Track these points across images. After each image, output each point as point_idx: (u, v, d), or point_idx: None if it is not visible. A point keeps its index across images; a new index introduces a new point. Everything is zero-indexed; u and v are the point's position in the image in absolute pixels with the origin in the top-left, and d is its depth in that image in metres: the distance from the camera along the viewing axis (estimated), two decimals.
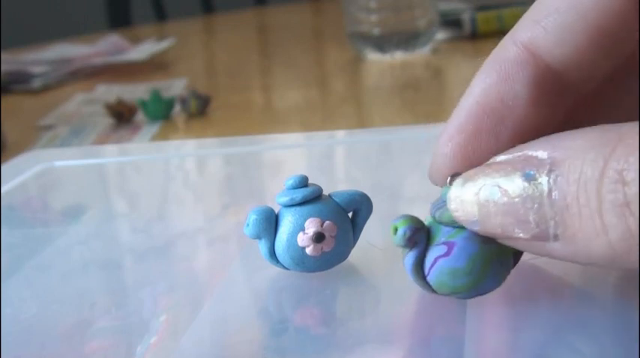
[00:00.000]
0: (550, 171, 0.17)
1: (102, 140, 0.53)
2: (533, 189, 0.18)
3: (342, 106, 0.60)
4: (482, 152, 0.21)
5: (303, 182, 0.24)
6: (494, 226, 0.19)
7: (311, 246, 0.24)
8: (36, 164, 0.40)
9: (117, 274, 0.28)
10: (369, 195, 0.25)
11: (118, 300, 0.26)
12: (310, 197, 0.24)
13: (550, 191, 0.17)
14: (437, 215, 0.21)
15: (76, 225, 0.33)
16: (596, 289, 0.23)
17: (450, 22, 0.73)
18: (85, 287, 0.27)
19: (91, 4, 1.45)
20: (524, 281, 0.22)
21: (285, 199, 0.24)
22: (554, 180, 0.17)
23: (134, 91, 0.65)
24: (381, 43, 0.69)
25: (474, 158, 0.21)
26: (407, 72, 0.67)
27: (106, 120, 0.58)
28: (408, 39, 0.69)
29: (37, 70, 0.75)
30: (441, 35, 0.73)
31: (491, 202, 0.19)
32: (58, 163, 0.40)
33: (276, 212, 0.24)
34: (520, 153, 0.19)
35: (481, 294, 0.21)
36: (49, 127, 0.58)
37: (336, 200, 0.24)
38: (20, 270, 0.28)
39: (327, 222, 0.24)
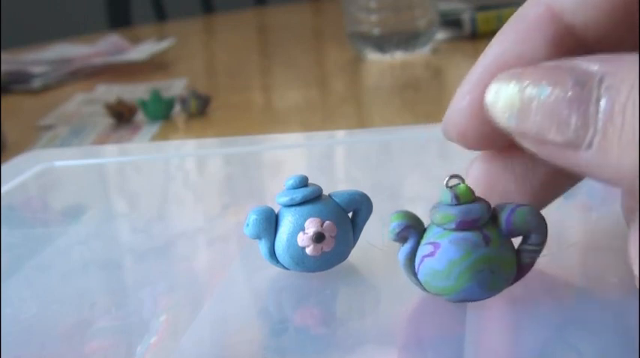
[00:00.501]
0: (601, 81, 0.17)
1: (102, 140, 0.53)
2: (582, 93, 0.18)
3: (342, 106, 0.60)
4: None
5: (303, 182, 0.24)
6: (531, 125, 0.19)
7: (311, 246, 0.24)
8: (36, 164, 0.40)
9: (117, 274, 0.28)
10: (369, 195, 0.25)
11: (118, 300, 0.26)
12: (310, 197, 0.24)
13: (599, 98, 0.17)
14: (431, 214, 0.21)
15: (76, 225, 0.33)
16: (596, 289, 0.23)
17: (450, 22, 0.73)
18: (85, 287, 0.27)
19: (91, 4, 1.45)
20: (524, 281, 0.22)
21: (285, 199, 0.24)
22: (606, 88, 0.17)
23: (134, 91, 0.65)
24: (381, 43, 0.70)
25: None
26: (407, 72, 0.67)
27: (106, 120, 0.58)
28: (408, 39, 0.69)
29: (37, 70, 0.75)
30: (441, 35, 0.73)
31: (535, 99, 0.18)
32: (58, 163, 0.40)
33: (276, 212, 0.24)
34: (570, 63, 0.18)
35: (469, 300, 0.21)
36: (49, 127, 0.58)
37: (336, 200, 0.24)
38: (20, 270, 0.28)
39: (327, 222, 0.24)
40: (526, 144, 0.19)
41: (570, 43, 0.20)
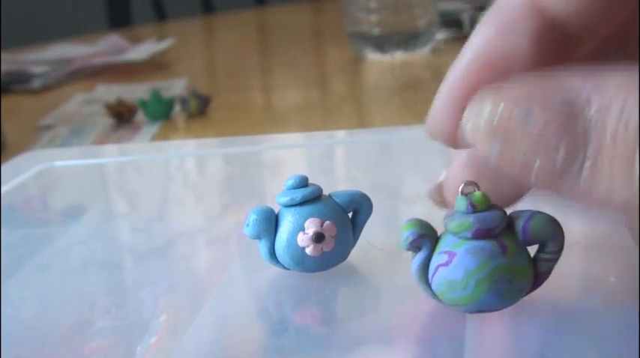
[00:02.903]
0: (589, 102, 0.16)
1: (102, 140, 0.53)
2: (571, 116, 0.16)
3: (342, 106, 0.60)
4: None
5: (303, 182, 0.24)
6: (515, 151, 0.17)
7: (311, 246, 0.24)
8: (36, 164, 0.40)
9: (117, 274, 0.28)
10: (369, 195, 0.25)
11: (118, 300, 0.26)
12: (310, 197, 0.24)
13: (588, 121, 0.16)
14: (445, 223, 0.21)
15: (76, 225, 0.33)
16: (596, 289, 0.23)
17: (450, 22, 0.73)
18: (85, 287, 0.27)
19: (91, 4, 1.45)
20: None
21: (285, 199, 0.24)
22: (596, 111, 0.16)
23: (134, 91, 0.65)
24: (381, 43, 0.69)
25: None
26: (407, 72, 0.67)
27: (106, 120, 0.58)
28: (408, 39, 0.69)
29: (37, 70, 0.75)
30: (440, 35, 0.73)
31: (520, 124, 0.17)
32: (58, 163, 0.40)
33: (276, 212, 0.24)
34: (554, 80, 0.17)
35: (485, 311, 0.21)
36: (49, 127, 0.58)
37: (336, 200, 0.24)
38: (20, 270, 0.28)
39: (327, 222, 0.24)
40: (510, 170, 0.18)
41: (552, 35, 0.19)
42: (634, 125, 0.15)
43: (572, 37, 0.20)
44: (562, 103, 0.17)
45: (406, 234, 0.21)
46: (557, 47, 0.20)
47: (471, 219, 0.20)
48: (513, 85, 0.18)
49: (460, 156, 0.21)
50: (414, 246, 0.21)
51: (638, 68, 0.16)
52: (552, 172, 0.17)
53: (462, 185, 0.20)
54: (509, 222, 0.21)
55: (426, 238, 0.21)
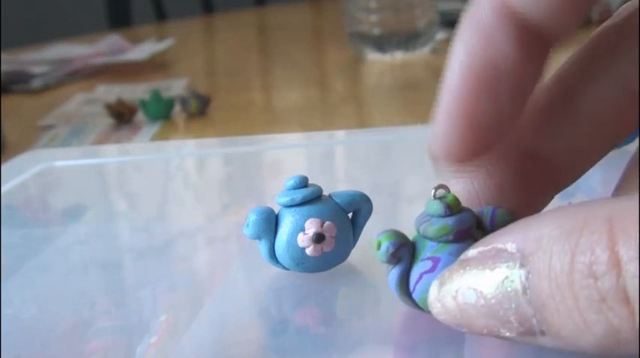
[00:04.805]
0: (521, 267, 0.17)
1: (102, 140, 0.53)
2: (508, 288, 0.17)
3: (342, 106, 0.60)
4: (486, 115, 0.20)
5: (303, 182, 0.24)
6: (479, 328, 0.18)
7: (311, 247, 0.24)
8: (36, 164, 0.40)
9: (117, 274, 0.28)
10: (369, 195, 0.25)
11: (118, 300, 0.26)
12: (310, 197, 0.24)
13: (524, 288, 0.16)
14: (421, 229, 0.20)
15: (76, 225, 0.33)
16: None
17: (450, 22, 0.73)
18: (85, 287, 0.27)
19: (91, 4, 1.45)
20: None
21: (285, 199, 0.24)
22: (527, 277, 0.16)
23: (134, 91, 0.65)
24: (381, 43, 0.70)
25: (479, 123, 0.20)
26: (407, 72, 0.68)
27: (106, 120, 0.58)
28: (408, 39, 0.69)
29: (37, 70, 0.75)
30: (441, 35, 0.73)
31: (469, 305, 0.18)
32: (58, 163, 0.40)
33: (276, 212, 0.24)
34: (489, 248, 0.18)
35: None
36: (49, 127, 0.58)
37: (336, 200, 0.24)
38: (20, 270, 0.28)
39: (327, 222, 0.24)
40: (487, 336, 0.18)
41: (529, 37, 0.19)
42: (563, 281, 0.16)
43: (547, 35, 0.20)
44: (501, 279, 0.17)
45: (385, 246, 0.20)
46: (536, 47, 0.20)
47: (450, 221, 0.20)
48: (459, 266, 0.18)
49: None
50: (395, 258, 0.20)
51: (560, 213, 0.16)
52: (519, 336, 0.17)
53: (434, 189, 0.20)
54: (477, 221, 0.21)
55: (405, 248, 0.20)
